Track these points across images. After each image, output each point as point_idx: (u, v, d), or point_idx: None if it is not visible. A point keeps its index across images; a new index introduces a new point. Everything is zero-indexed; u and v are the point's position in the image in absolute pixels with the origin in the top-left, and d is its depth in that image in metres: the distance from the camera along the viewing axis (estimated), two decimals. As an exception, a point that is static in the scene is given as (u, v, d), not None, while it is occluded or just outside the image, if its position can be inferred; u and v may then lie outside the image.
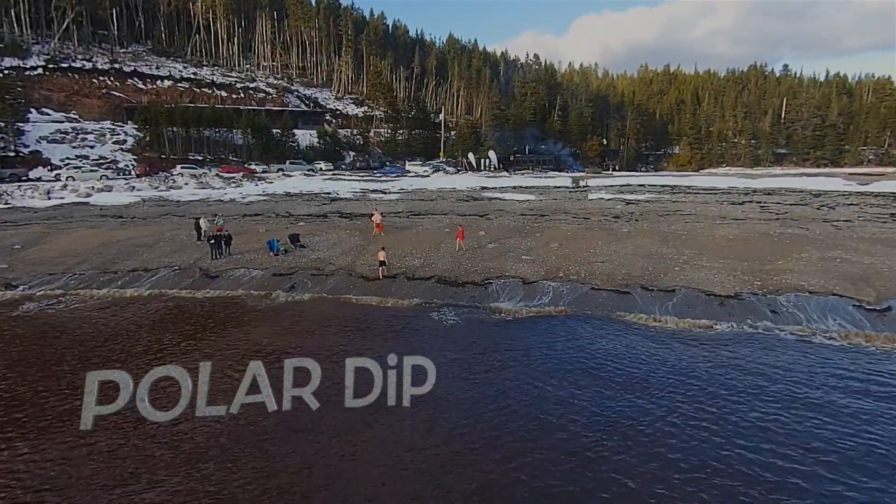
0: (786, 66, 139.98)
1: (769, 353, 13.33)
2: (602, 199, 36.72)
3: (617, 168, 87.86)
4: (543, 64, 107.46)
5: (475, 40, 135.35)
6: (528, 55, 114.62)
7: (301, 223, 27.85)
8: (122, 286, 18.93)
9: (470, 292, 17.95)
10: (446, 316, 15.99)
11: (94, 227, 28.43)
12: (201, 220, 25.13)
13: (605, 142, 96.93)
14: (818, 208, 30.87)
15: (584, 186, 43.42)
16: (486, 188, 43.34)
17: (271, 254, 22.03)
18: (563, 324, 15.47)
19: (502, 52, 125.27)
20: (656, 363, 12.66)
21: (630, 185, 43.19)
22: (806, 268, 19.37)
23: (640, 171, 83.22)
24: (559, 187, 43.91)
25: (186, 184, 44.85)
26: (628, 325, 15.38)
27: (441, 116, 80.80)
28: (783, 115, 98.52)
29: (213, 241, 21.93)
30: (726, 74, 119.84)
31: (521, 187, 43.12)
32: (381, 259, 19.56)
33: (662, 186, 42.35)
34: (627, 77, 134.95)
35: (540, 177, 54.78)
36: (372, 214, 27.17)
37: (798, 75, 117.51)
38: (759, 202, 33.65)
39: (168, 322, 15.66)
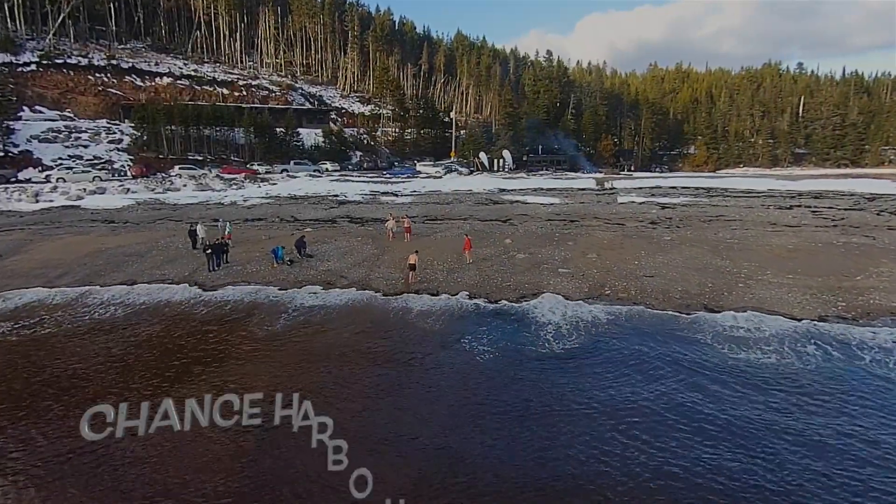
0: (800, 63, 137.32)
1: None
2: (633, 202, 34.09)
3: (632, 168, 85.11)
4: (555, 61, 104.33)
5: (483, 37, 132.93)
6: (538, 52, 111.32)
7: (308, 229, 25.50)
8: (106, 303, 16.51)
9: (506, 312, 15.43)
10: (480, 345, 13.34)
11: (82, 233, 26.33)
12: (198, 227, 22.77)
13: (617, 141, 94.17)
14: (878, 213, 28.11)
15: (610, 189, 40.72)
16: (504, 190, 40.74)
17: (275, 264, 19.74)
18: (633, 355, 12.80)
19: (512, 50, 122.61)
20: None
21: (660, 188, 40.46)
22: (892, 285, 16.89)
23: (655, 172, 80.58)
24: (583, 189, 41.27)
25: (185, 185, 42.33)
26: (710, 354, 12.70)
27: (452, 115, 78.03)
28: (801, 114, 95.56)
29: (209, 251, 19.59)
30: (740, 72, 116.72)
31: (542, 189, 40.49)
32: (413, 262, 17.64)
33: (696, 188, 39.65)
34: (638, 76, 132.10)
35: (560, 178, 52.02)
36: (386, 220, 24.87)
37: (815, 73, 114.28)
38: (809, 206, 30.92)
39: (152, 352, 13.18)
